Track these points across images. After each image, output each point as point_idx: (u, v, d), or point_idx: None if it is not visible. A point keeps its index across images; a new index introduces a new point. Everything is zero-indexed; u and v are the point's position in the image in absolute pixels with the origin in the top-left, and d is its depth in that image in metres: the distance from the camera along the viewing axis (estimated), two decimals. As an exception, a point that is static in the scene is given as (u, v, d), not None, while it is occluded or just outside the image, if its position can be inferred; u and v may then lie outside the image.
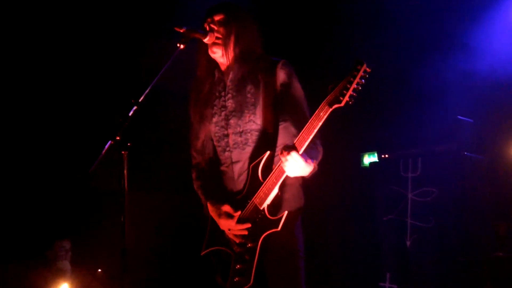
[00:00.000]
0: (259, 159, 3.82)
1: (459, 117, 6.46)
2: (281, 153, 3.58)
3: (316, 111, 3.55)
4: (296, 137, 3.60)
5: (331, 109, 3.51)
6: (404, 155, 6.70)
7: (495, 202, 6.24)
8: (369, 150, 7.33)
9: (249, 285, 3.72)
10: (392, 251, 6.60)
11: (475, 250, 5.96)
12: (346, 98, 3.48)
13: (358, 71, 3.47)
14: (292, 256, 3.89)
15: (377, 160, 7.09)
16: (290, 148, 3.55)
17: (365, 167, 7.34)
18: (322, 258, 7.23)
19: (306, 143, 3.55)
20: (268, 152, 3.81)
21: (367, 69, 3.48)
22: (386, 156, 6.93)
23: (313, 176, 3.79)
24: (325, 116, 3.52)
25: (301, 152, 3.55)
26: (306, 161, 3.58)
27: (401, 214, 6.56)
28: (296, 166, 3.57)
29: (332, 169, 6.86)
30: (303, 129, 3.56)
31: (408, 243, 6.44)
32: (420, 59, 6.79)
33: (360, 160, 7.45)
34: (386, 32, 6.87)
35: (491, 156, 6.35)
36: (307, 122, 3.60)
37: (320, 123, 3.53)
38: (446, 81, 6.60)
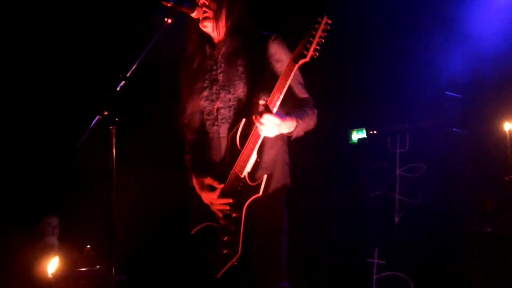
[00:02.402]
0: (236, 127, 3.84)
1: (446, 92, 6.46)
2: (255, 117, 3.61)
3: (284, 70, 3.61)
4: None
5: (297, 65, 3.57)
6: (392, 131, 6.69)
7: (483, 178, 6.26)
8: (358, 126, 7.33)
9: (237, 255, 3.75)
10: (380, 227, 6.61)
11: (463, 226, 5.98)
12: (311, 52, 3.52)
13: (320, 23, 3.51)
14: (276, 232, 3.91)
15: (366, 137, 7.08)
16: (262, 110, 3.61)
17: (354, 144, 7.34)
18: (309, 235, 7.26)
19: (278, 102, 3.59)
20: (243, 120, 3.82)
21: (328, 21, 3.51)
22: (375, 132, 6.92)
23: (299, 135, 3.84)
24: (293, 73, 3.58)
25: (274, 110, 3.59)
26: (282, 118, 3.63)
27: (389, 190, 6.57)
28: (270, 125, 3.60)
29: (320, 145, 6.90)
30: (274, 89, 3.61)
31: (396, 219, 6.46)
32: (407, 34, 6.78)
33: (348, 136, 7.45)
34: (374, 7, 6.84)
35: (478, 132, 6.36)
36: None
37: (289, 81, 3.58)
38: (434, 56, 6.59)
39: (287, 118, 3.68)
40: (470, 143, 6.30)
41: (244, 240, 3.77)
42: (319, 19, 3.51)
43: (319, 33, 3.50)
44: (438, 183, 6.18)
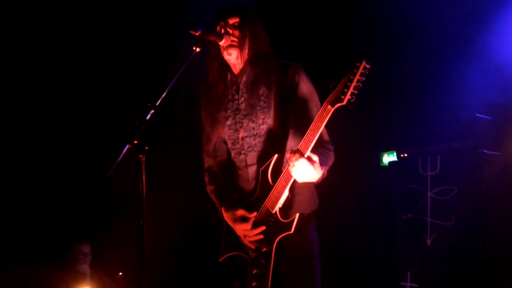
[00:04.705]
0: (267, 162, 3.82)
1: (477, 114, 6.43)
2: (289, 157, 3.58)
3: (319, 112, 3.57)
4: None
5: (333, 109, 3.53)
6: (423, 153, 6.66)
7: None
8: (388, 149, 7.31)
9: None
10: (413, 250, 6.57)
11: (495, 248, 5.92)
12: (348, 96, 3.50)
13: (358, 68, 3.49)
14: (307, 256, 3.89)
15: (396, 159, 7.06)
16: (295, 152, 3.55)
17: (384, 166, 7.32)
18: (341, 258, 7.22)
19: (311, 145, 3.55)
20: (276, 155, 3.81)
21: (367, 65, 3.49)
22: (405, 155, 6.89)
23: (322, 181, 3.77)
24: (328, 116, 3.53)
25: (307, 154, 3.54)
26: (315, 167, 3.56)
27: (421, 213, 6.53)
28: (302, 170, 3.56)
29: (351, 168, 6.88)
30: (308, 131, 3.56)
31: (428, 241, 6.41)
32: (438, 57, 6.77)
33: (379, 159, 7.43)
34: (402, 29, 6.84)
35: (509, 153, 6.31)
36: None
37: (324, 124, 3.55)
38: (464, 79, 6.57)
39: (318, 167, 3.60)
40: (501, 165, 6.25)
41: (275, 269, 3.76)
42: (358, 64, 3.49)
43: (357, 77, 3.48)
44: (470, 205, 6.13)
